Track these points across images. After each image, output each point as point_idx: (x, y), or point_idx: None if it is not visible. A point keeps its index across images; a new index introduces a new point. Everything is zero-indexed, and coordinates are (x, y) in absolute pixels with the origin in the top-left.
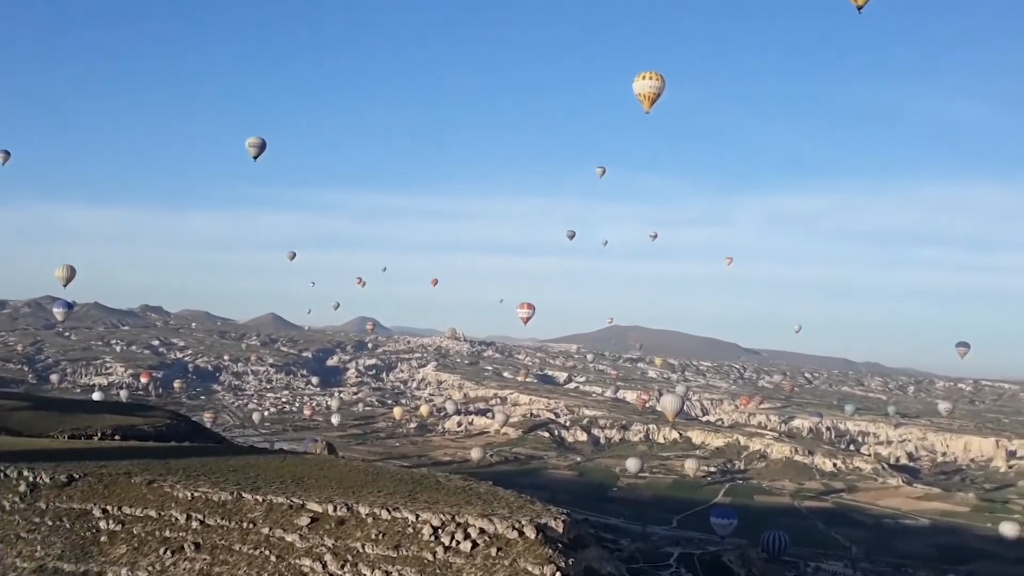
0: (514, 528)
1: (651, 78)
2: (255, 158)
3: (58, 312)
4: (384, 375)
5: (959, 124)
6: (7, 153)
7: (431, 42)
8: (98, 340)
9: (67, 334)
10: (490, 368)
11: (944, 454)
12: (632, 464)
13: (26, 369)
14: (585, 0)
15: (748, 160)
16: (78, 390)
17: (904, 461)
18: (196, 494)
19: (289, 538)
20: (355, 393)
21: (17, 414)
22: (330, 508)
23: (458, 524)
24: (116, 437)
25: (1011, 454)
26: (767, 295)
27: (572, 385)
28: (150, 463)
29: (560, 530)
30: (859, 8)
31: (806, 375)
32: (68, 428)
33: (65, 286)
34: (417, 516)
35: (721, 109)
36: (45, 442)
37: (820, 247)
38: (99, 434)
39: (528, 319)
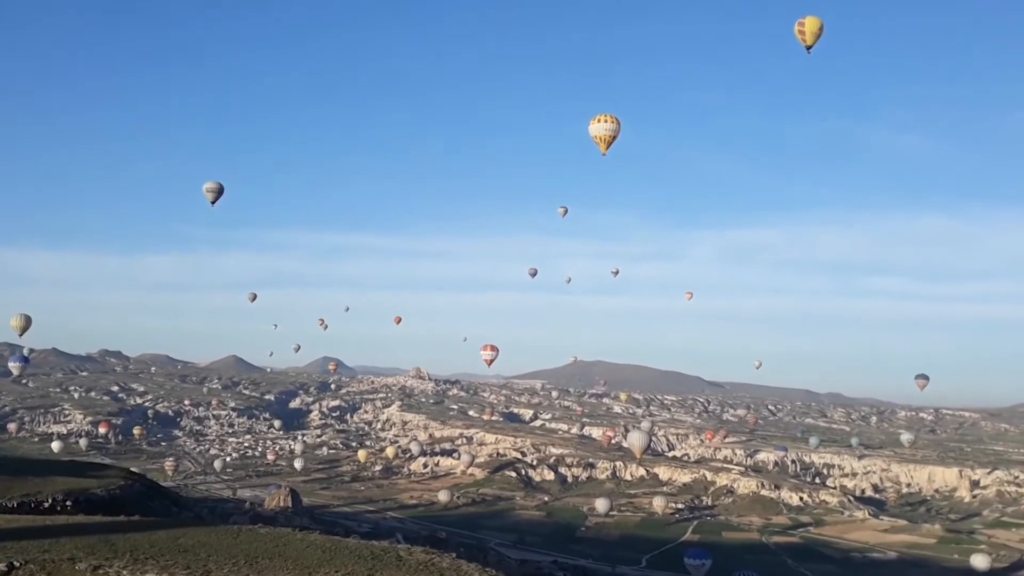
0: None
1: (606, 121)
2: (213, 203)
3: (14, 367)
4: (348, 416)
5: (906, 157)
6: None
7: (388, 84)
8: (56, 387)
9: (25, 381)
10: (455, 407)
11: (908, 485)
12: (601, 504)
13: None
14: (539, 43)
15: (703, 195)
16: (36, 439)
17: (869, 493)
18: None
19: None
20: (319, 436)
21: None
22: None
23: None
24: (68, 503)
25: (975, 484)
26: (728, 328)
27: (538, 423)
28: (96, 544)
29: None
30: (808, 49)
31: (770, 407)
32: (17, 495)
33: (21, 335)
34: None
35: (675, 146)
36: None
37: (777, 279)
38: (49, 500)
39: (492, 361)
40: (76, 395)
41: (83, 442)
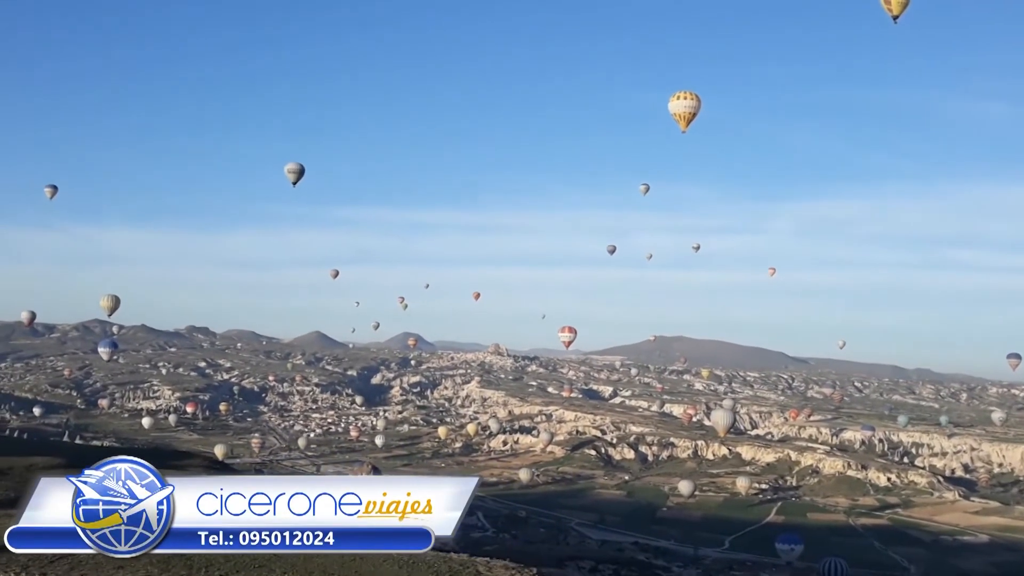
0: None
1: (686, 98)
2: (294, 183)
3: (103, 351)
4: (428, 392)
5: (990, 125)
6: (55, 188)
7: (466, 58)
8: (145, 363)
9: (115, 357)
10: (534, 383)
11: (1000, 465)
12: (684, 487)
13: (74, 394)
14: (617, 16)
15: (783, 168)
16: (126, 415)
17: (960, 473)
18: None
19: None
20: (400, 412)
21: None
22: None
23: None
24: None
25: None
26: (812, 303)
27: (617, 400)
28: (171, 557)
29: None
30: (895, 19)
31: (856, 384)
32: None
33: (110, 315)
34: None
35: (754, 119)
36: None
37: (860, 253)
38: None
39: (570, 343)
40: (164, 371)
41: (172, 418)
